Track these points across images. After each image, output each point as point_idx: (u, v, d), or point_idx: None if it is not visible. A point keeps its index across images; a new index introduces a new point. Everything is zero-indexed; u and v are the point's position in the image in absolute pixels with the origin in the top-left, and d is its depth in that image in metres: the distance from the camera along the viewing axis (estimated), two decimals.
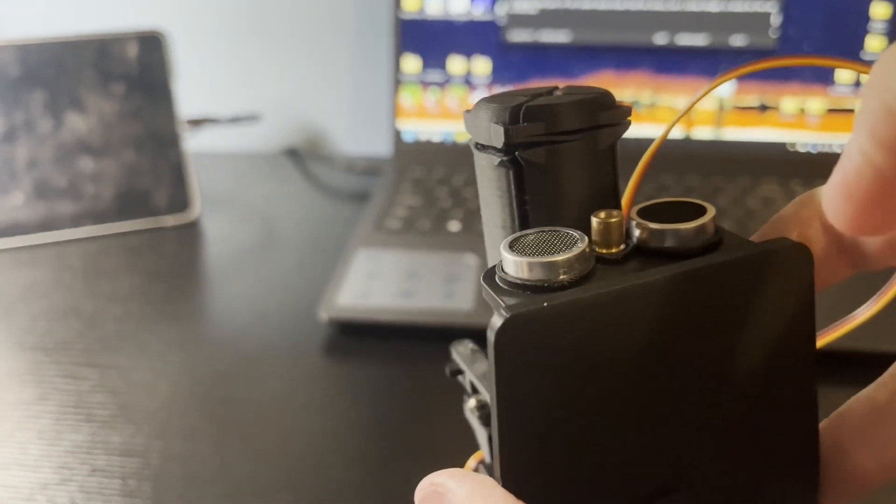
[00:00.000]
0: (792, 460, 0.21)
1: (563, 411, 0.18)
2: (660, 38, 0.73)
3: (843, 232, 0.18)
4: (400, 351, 0.53)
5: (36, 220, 0.68)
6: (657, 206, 0.21)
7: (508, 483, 0.18)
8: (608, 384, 0.19)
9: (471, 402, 0.24)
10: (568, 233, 0.20)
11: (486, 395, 0.24)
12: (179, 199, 0.71)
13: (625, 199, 0.22)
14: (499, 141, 0.20)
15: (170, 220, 0.70)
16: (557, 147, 0.20)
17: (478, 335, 0.55)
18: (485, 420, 0.24)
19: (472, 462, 0.26)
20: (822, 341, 0.21)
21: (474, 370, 0.25)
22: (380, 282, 0.58)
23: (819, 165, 0.72)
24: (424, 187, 0.71)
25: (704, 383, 0.20)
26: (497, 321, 0.17)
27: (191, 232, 0.70)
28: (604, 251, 0.20)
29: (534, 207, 0.21)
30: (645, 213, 0.21)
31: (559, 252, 0.19)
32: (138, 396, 0.50)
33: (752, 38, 0.72)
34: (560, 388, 0.18)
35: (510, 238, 0.20)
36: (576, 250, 0.19)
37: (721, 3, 0.71)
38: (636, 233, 0.20)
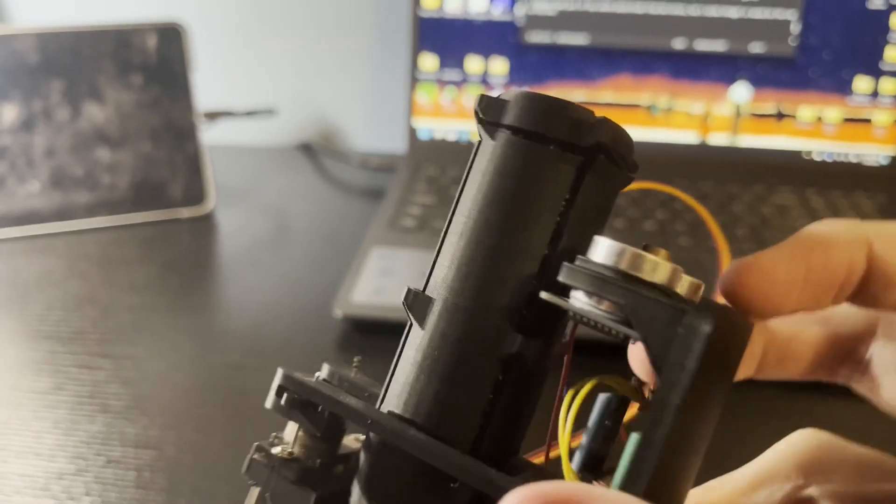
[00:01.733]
0: None
1: (704, 418, 0.19)
2: (678, 43, 0.73)
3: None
4: None
5: (52, 208, 0.69)
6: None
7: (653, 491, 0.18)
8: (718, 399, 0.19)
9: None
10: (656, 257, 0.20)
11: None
12: (195, 192, 0.71)
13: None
14: (585, 139, 0.20)
15: (185, 212, 0.71)
16: (625, 175, 0.21)
17: None
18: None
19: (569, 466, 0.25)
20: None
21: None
22: (394, 280, 0.58)
23: (835, 174, 0.72)
24: (439, 186, 0.71)
25: None
26: (706, 324, 0.17)
27: (205, 224, 0.70)
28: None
29: (576, 219, 0.21)
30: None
31: (680, 278, 0.19)
32: (153, 387, 0.50)
33: (771, 45, 0.72)
34: (711, 395, 0.19)
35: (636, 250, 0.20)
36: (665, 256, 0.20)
37: (741, 10, 0.71)
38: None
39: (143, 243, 0.67)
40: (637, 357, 0.21)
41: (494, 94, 0.22)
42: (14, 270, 0.63)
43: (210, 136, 0.73)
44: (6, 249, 0.66)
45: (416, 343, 0.21)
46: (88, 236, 0.68)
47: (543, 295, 0.20)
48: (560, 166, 0.20)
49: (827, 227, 0.21)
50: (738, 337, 0.20)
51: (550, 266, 0.20)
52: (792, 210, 0.67)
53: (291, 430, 0.23)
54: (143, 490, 0.43)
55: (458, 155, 0.75)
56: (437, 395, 0.20)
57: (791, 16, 0.71)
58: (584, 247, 0.20)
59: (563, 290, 0.20)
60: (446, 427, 0.20)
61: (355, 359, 0.24)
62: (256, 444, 0.22)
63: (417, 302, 0.21)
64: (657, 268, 0.19)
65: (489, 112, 0.20)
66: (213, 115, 0.75)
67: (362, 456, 0.21)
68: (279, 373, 0.22)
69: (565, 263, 0.19)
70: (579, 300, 0.19)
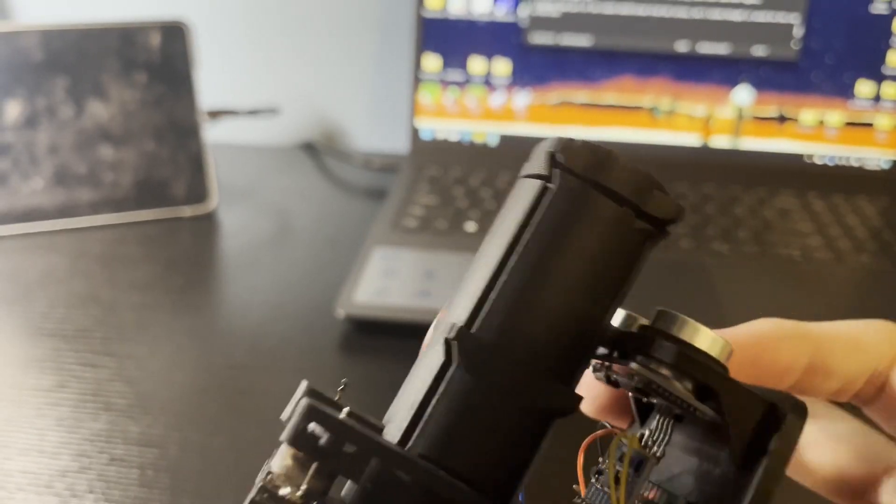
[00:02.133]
0: None
1: None
2: (681, 46, 0.73)
3: None
4: (416, 350, 0.54)
5: (55, 205, 0.69)
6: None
7: None
8: None
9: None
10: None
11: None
12: (197, 190, 0.71)
13: None
14: (664, 212, 0.20)
15: (187, 211, 0.71)
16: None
17: None
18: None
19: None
20: None
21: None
22: (396, 280, 0.58)
23: (836, 178, 0.72)
24: (441, 186, 0.71)
25: None
26: (799, 418, 0.19)
27: (208, 223, 0.70)
28: None
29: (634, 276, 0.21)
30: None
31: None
32: (156, 386, 0.51)
33: (773, 48, 0.72)
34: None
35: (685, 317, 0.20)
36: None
37: (744, 13, 0.72)
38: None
39: (145, 241, 0.67)
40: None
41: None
42: (17, 268, 0.63)
43: (213, 134, 0.73)
44: (9, 246, 0.66)
45: (458, 387, 0.19)
46: (91, 234, 0.68)
47: (633, 365, 0.20)
48: (643, 240, 0.20)
49: (775, 325, 0.23)
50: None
51: (605, 328, 0.20)
52: (793, 213, 0.67)
53: (288, 460, 0.20)
54: (146, 489, 0.43)
55: (460, 155, 0.75)
56: (483, 448, 0.19)
57: (794, 19, 0.71)
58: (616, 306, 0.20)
59: (618, 353, 0.21)
60: (489, 482, 0.19)
61: (343, 381, 0.23)
62: (259, 485, 0.19)
63: (465, 342, 0.19)
64: (721, 348, 0.20)
65: (577, 162, 0.20)
66: (216, 114, 0.75)
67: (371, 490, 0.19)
68: (304, 404, 0.19)
69: (664, 342, 0.20)
70: (655, 372, 0.20)
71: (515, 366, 0.19)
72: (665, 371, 0.20)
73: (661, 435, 0.22)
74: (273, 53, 0.86)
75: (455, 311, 0.20)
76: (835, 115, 0.72)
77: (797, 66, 0.72)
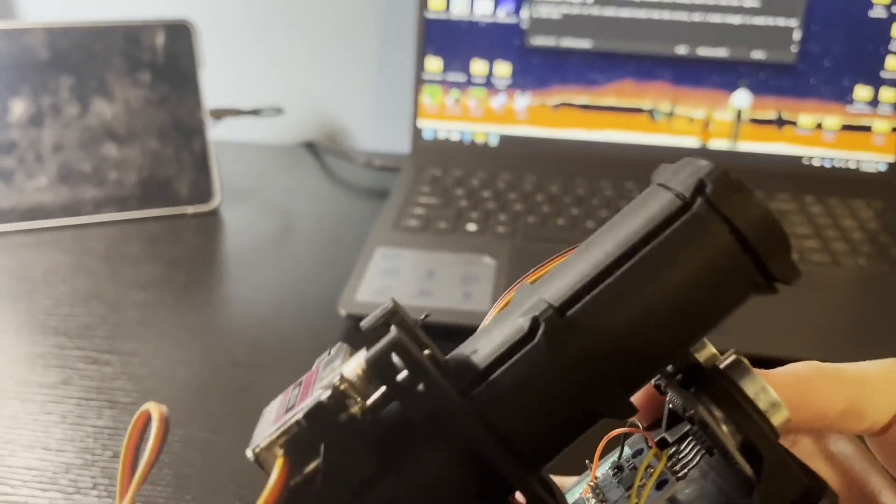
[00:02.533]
0: None
1: None
2: (681, 49, 0.73)
3: None
4: None
5: (59, 203, 0.69)
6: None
7: None
8: None
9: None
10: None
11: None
12: (201, 189, 0.72)
13: None
14: (785, 276, 0.20)
15: (190, 209, 0.71)
16: None
17: None
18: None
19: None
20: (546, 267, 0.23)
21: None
22: (398, 280, 0.59)
23: (834, 181, 0.73)
24: (442, 187, 0.72)
25: None
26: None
27: (211, 221, 0.71)
28: None
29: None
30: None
31: None
32: (159, 383, 0.51)
33: (772, 52, 0.72)
34: None
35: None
36: None
37: (743, 17, 0.72)
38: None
39: (149, 239, 0.68)
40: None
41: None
42: (21, 264, 0.64)
43: (216, 133, 0.74)
44: (14, 243, 0.67)
45: (530, 362, 0.20)
46: (95, 231, 0.69)
47: (694, 400, 0.21)
48: (751, 289, 0.20)
49: (816, 368, 0.25)
50: None
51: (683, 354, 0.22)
52: (790, 216, 0.68)
53: (360, 372, 0.20)
54: (149, 485, 0.44)
55: (461, 156, 0.76)
56: (531, 425, 0.20)
57: (793, 23, 0.72)
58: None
59: (682, 377, 0.22)
60: (526, 453, 0.20)
61: (425, 313, 0.24)
62: (330, 388, 0.19)
63: (554, 325, 0.20)
64: (780, 417, 0.21)
65: (722, 197, 0.19)
66: (220, 113, 0.75)
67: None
68: (393, 335, 0.20)
69: (730, 390, 0.21)
70: (710, 414, 0.21)
71: (591, 366, 0.20)
72: (718, 414, 0.21)
73: (690, 460, 0.23)
74: (277, 53, 0.86)
75: (550, 289, 0.20)
76: (833, 119, 0.73)
77: (796, 69, 0.72)
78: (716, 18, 0.72)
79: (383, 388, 0.20)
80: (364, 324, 0.21)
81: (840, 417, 0.24)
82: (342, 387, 0.19)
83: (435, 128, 0.77)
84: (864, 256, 0.63)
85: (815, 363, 0.25)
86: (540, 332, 0.19)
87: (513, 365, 0.20)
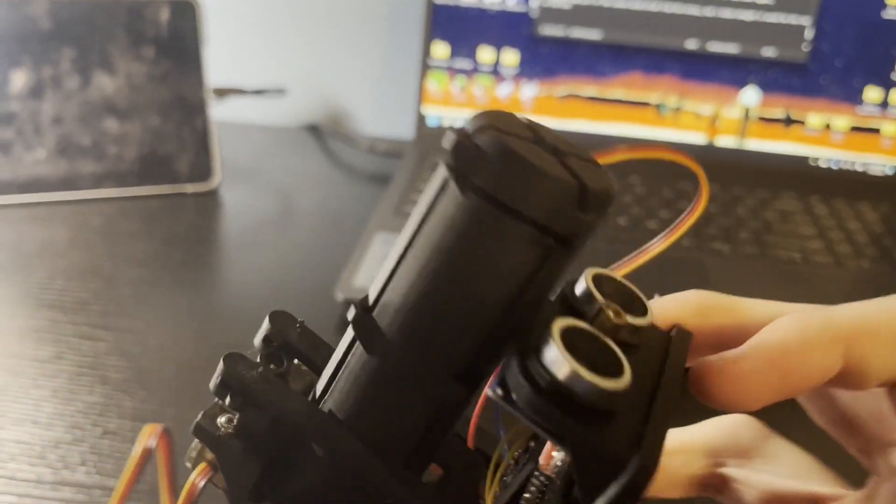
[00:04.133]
0: None
1: None
2: (691, 44, 0.73)
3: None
4: None
5: (57, 177, 0.69)
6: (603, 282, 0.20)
7: None
8: None
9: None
10: (599, 338, 0.18)
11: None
12: (201, 168, 0.71)
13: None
14: (564, 227, 0.17)
15: (190, 188, 0.71)
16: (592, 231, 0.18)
17: None
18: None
19: None
20: (621, 272, 0.22)
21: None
22: None
23: (840, 182, 0.72)
24: None
25: None
26: (642, 475, 0.17)
27: (210, 201, 0.70)
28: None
29: (541, 291, 0.19)
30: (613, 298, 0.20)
31: (616, 371, 0.18)
32: (153, 362, 0.51)
33: (783, 50, 0.72)
34: None
35: (558, 331, 0.18)
36: (628, 373, 0.18)
37: (755, 13, 0.71)
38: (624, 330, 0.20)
39: (147, 216, 0.67)
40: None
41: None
42: (18, 237, 0.63)
43: (218, 112, 0.73)
44: (11, 216, 0.66)
45: (362, 365, 0.21)
46: (93, 206, 0.68)
47: (489, 392, 0.19)
48: (530, 248, 0.18)
49: (800, 331, 0.20)
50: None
51: (498, 337, 0.19)
52: (795, 216, 0.67)
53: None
54: None
55: None
56: (377, 421, 0.21)
57: (805, 21, 0.71)
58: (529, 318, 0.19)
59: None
60: (380, 449, 0.21)
61: (300, 320, 0.25)
62: (203, 412, 0.24)
63: (364, 325, 0.20)
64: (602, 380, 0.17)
65: (462, 162, 0.18)
66: (222, 92, 0.74)
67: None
68: (221, 365, 0.23)
69: (515, 376, 0.18)
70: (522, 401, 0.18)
71: (408, 352, 0.20)
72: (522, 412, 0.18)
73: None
74: (282, 33, 0.85)
75: (370, 288, 0.21)
76: (841, 120, 0.72)
77: (806, 68, 0.72)
78: (727, 14, 0.72)
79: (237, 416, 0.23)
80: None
81: (839, 379, 0.20)
82: (216, 407, 0.24)
83: (440, 115, 0.77)
84: (868, 259, 0.62)
85: (798, 317, 0.21)
86: (355, 333, 0.20)
87: (345, 367, 0.21)
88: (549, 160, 0.18)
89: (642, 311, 0.20)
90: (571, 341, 0.17)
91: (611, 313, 0.19)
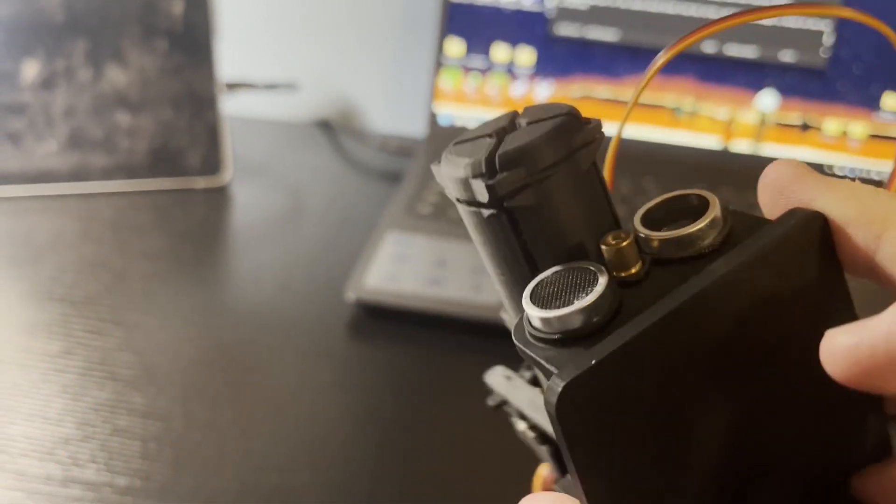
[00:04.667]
0: (864, 429, 0.21)
1: (640, 441, 0.18)
2: (708, 46, 0.72)
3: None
4: (425, 338, 0.53)
5: (68, 169, 0.68)
6: (660, 208, 0.21)
7: None
8: (675, 403, 0.18)
9: (521, 426, 0.24)
10: (585, 268, 0.19)
11: (535, 419, 0.24)
12: (212, 162, 0.71)
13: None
14: (483, 197, 0.19)
15: (200, 182, 0.70)
16: (543, 185, 0.20)
17: (506, 331, 0.55)
18: (541, 440, 0.24)
19: (542, 472, 0.26)
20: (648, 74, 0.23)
21: (517, 399, 0.24)
22: (408, 267, 0.58)
23: None
24: None
25: (768, 373, 0.20)
26: (552, 394, 0.17)
27: (220, 196, 0.70)
28: (623, 274, 0.19)
29: (538, 250, 0.20)
30: (650, 220, 0.20)
31: (584, 294, 0.18)
32: (163, 358, 0.50)
33: (801, 55, 0.71)
34: (631, 424, 0.18)
35: (528, 290, 0.19)
36: (600, 287, 0.18)
37: (774, 17, 0.71)
38: (652, 244, 0.20)
39: (157, 210, 0.67)
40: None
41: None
42: (28, 230, 0.63)
43: (230, 106, 0.73)
44: (21, 207, 0.66)
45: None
46: (103, 199, 0.68)
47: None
48: (477, 220, 0.20)
49: (851, 205, 0.20)
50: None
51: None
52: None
53: None
54: (148, 461, 0.43)
55: None
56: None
57: (825, 26, 0.70)
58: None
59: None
60: None
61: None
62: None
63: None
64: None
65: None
66: (234, 86, 0.74)
67: None
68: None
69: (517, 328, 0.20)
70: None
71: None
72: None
73: None
74: (294, 28, 0.85)
75: None
76: (859, 127, 0.71)
77: (825, 74, 0.71)
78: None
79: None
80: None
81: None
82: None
83: (452, 113, 0.76)
84: None
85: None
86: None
87: None
88: (481, 147, 0.20)
89: (695, 217, 0.20)
90: (538, 291, 0.19)
91: (604, 246, 0.20)
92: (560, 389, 0.17)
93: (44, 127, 0.68)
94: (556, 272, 0.19)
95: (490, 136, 0.20)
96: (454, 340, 0.53)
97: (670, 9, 0.71)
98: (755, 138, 0.73)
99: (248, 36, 0.84)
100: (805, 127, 0.72)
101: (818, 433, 0.21)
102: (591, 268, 0.19)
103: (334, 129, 0.83)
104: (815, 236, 0.19)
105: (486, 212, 0.20)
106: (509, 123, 0.21)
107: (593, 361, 0.17)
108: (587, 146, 0.20)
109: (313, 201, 0.71)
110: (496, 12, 0.74)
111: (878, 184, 0.69)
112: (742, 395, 0.19)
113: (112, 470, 0.42)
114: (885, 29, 0.20)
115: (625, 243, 0.19)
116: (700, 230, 0.19)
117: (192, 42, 0.69)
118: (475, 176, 0.19)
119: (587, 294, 0.18)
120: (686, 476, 0.19)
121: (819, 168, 0.72)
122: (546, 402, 0.17)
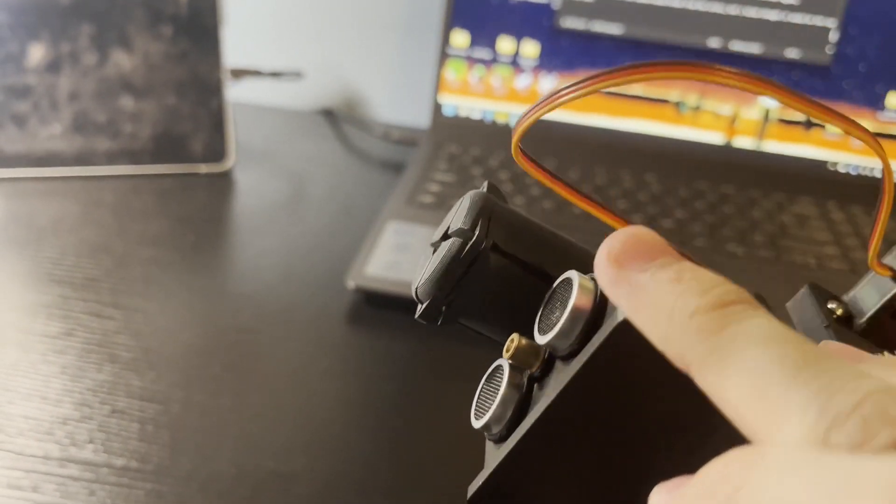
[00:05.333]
0: None
1: (590, 426, 0.21)
2: (713, 42, 0.72)
3: None
4: (423, 327, 0.53)
5: (72, 152, 0.68)
6: (551, 299, 0.22)
7: (512, 461, 0.22)
8: (571, 480, 0.22)
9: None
10: (498, 377, 0.23)
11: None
12: (215, 148, 0.71)
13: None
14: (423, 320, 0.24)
15: (203, 168, 0.71)
16: (454, 305, 0.24)
17: None
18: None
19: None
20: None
21: None
22: (409, 256, 0.58)
23: (858, 188, 0.72)
24: (459, 164, 0.71)
25: (654, 439, 0.21)
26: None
27: (223, 182, 0.70)
28: (529, 371, 0.22)
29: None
30: (542, 319, 0.22)
31: (492, 406, 0.23)
32: (162, 342, 0.51)
33: (806, 52, 0.71)
34: (606, 407, 0.20)
35: (473, 405, 0.24)
36: (497, 400, 0.22)
37: (780, 13, 0.70)
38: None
39: (159, 195, 0.67)
40: None
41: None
42: (30, 212, 0.63)
43: (234, 93, 0.73)
44: (24, 189, 0.66)
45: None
46: (106, 183, 0.68)
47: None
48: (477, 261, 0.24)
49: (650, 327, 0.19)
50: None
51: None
52: (811, 221, 0.67)
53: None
54: (145, 443, 0.43)
55: (481, 134, 0.75)
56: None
57: (830, 24, 0.70)
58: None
59: None
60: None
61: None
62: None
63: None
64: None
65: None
66: (239, 73, 0.74)
67: None
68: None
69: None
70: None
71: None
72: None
73: None
74: (300, 16, 0.85)
75: None
76: (862, 125, 0.71)
77: (829, 71, 0.71)
78: (752, 13, 0.71)
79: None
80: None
81: None
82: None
83: (456, 104, 0.76)
84: None
85: None
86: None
87: None
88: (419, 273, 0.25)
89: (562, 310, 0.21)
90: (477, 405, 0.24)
91: (505, 352, 0.23)
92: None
93: (48, 110, 0.68)
94: (483, 387, 0.23)
95: (429, 257, 0.24)
96: (452, 329, 0.53)
97: (676, 3, 0.71)
98: (758, 135, 0.73)
99: (254, 23, 0.84)
100: (808, 124, 0.72)
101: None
102: (498, 375, 0.23)
103: (338, 118, 0.83)
104: (625, 346, 0.19)
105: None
106: (441, 237, 0.24)
107: (479, 484, 0.22)
108: (477, 260, 0.23)
109: (316, 189, 0.71)
110: (502, 4, 0.74)
111: (880, 181, 0.67)
112: (623, 452, 0.21)
113: (110, 451, 0.43)
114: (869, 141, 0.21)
115: (516, 344, 0.22)
116: (562, 329, 0.20)
117: (197, 28, 0.69)
118: (416, 299, 0.24)
119: (492, 407, 0.22)
120: (579, 481, 0.22)
121: (822, 165, 0.72)
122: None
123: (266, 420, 0.46)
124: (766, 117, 0.72)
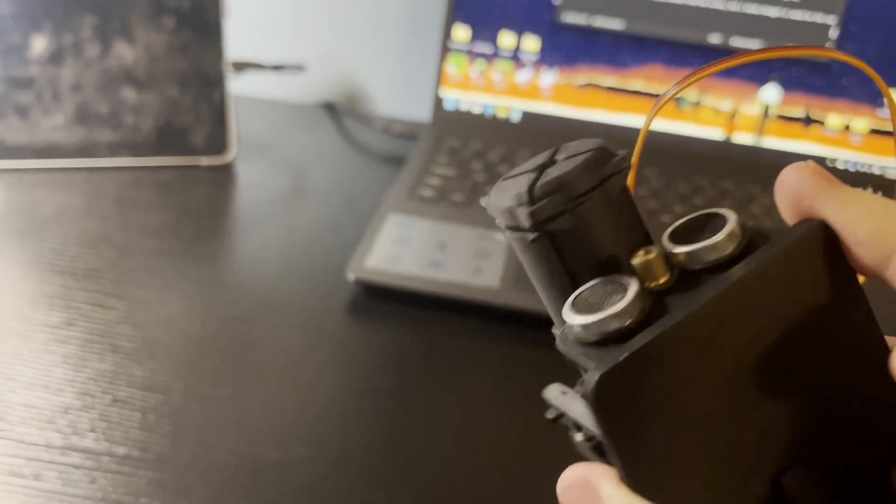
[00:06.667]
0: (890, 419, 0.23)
1: (673, 427, 0.20)
2: (714, 38, 0.72)
3: None
4: (423, 319, 0.54)
5: (74, 144, 0.69)
6: (685, 227, 0.23)
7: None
8: (703, 393, 0.21)
9: (578, 437, 0.25)
10: (618, 281, 0.22)
11: (591, 430, 0.25)
12: (217, 141, 0.71)
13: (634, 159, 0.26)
14: (526, 223, 0.23)
15: (205, 160, 0.71)
16: (578, 210, 0.22)
17: (503, 314, 0.55)
18: (597, 451, 0.25)
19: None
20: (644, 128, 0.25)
21: (572, 411, 0.26)
22: (409, 249, 0.58)
23: (857, 184, 0.72)
24: (460, 158, 0.71)
25: (795, 369, 0.22)
26: (589, 384, 0.20)
27: (224, 174, 0.71)
28: (653, 285, 0.22)
29: (576, 267, 0.23)
30: (676, 236, 0.23)
31: (617, 302, 0.21)
32: (163, 333, 0.51)
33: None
34: (662, 412, 0.20)
35: (569, 301, 0.22)
36: (630, 295, 0.21)
37: (781, 10, 0.71)
38: (678, 257, 0.22)
39: (161, 187, 0.68)
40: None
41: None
42: (33, 202, 0.63)
43: (236, 86, 0.73)
44: (27, 180, 0.66)
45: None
46: (108, 175, 0.68)
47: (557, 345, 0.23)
48: (524, 245, 0.23)
49: (863, 224, 0.21)
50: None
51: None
52: None
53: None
54: (147, 432, 0.44)
55: (482, 129, 0.75)
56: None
57: (831, 21, 0.70)
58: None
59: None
60: None
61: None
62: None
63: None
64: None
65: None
66: (241, 66, 0.74)
67: None
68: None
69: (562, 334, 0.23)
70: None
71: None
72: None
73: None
74: (303, 9, 0.85)
75: None
76: (861, 122, 0.72)
77: (829, 68, 0.71)
78: (752, 9, 0.71)
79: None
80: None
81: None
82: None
83: (457, 98, 0.76)
84: None
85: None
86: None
87: None
88: (522, 182, 0.23)
89: (715, 232, 0.22)
90: (577, 302, 0.22)
91: (635, 260, 0.22)
92: (596, 379, 0.20)
93: (51, 101, 0.68)
94: (593, 285, 0.22)
95: (532, 171, 0.23)
96: (452, 322, 0.54)
97: None
98: (758, 131, 0.73)
99: (256, 16, 0.84)
100: (808, 121, 0.72)
101: (855, 425, 0.22)
102: (623, 279, 0.22)
103: (339, 112, 0.84)
104: (820, 247, 0.22)
105: (529, 236, 0.23)
106: (548, 160, 0.24)
107: (625, 354, 0.20)
108: (616, 175, 0.23)
109: (317, 182, 0.72)
110: None
111: (879, 178, 0.68)
112: (770, 387, 0.21)
113: (111, 439, 0.43)
114: (870, 71, 0.23)
115: (652, 256, 0.22)
116: (718, 243, 0.22)
117: (200, 20, 0.70)
118: (519, 205, 0.22)
119: (620, 301, 0.21)
120: (716, 459, 0.21)
121: (821, 162, 0.72)
122: (584, 394, 0.20)
123: (266, 410, 0.46)
124: (766, 113, 0.73)
